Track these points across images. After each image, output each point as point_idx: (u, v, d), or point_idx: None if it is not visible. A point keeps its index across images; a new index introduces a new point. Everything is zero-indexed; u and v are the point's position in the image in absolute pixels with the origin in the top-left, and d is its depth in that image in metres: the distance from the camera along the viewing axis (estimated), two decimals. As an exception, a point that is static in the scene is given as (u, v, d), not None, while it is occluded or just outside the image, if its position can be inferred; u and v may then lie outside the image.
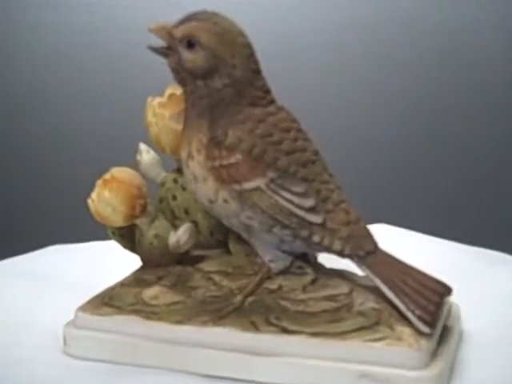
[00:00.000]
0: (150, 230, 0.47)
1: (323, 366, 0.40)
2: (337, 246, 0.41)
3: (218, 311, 0.43)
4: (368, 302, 0.42)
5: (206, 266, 0.47)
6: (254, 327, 0.42)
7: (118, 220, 0.46)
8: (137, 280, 0.48)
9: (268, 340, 0.41)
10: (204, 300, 0.45)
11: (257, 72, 0.43)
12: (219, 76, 0.42)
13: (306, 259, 0.45)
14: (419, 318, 0.39)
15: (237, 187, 0.42)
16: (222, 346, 0.42)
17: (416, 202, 0.94)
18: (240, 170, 0.41)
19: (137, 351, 0.44)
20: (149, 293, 0.46)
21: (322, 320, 0.41)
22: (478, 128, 0.93)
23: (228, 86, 0.42)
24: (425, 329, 0.39)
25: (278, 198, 0.41)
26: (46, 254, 0.60)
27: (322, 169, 0.43)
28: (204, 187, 0.43)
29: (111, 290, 0.47)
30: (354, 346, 0.39)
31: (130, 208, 0.45)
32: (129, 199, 0.45)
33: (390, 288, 0.40)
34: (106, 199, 0.45)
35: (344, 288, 0.43)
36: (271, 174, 0.41)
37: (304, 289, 0.44)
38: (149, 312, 0.44)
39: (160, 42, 0.43)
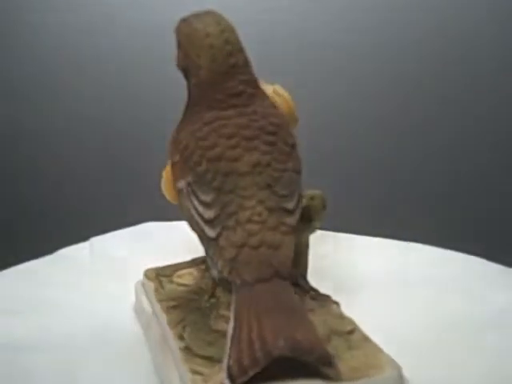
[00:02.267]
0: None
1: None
2: (219, 265, 0.38)
3: (182, 302, 0.45)
4: None
5: None
6: (171, 328, 0.42)
7: (171, 199, 0.51)
8: (197, 260, 0.52)
9: (170, 343, 0.42)
10: (193, 289, 0.47)
11: (225, 74, 0.42)
12: (192, 76, 0.43)
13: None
14: (228, 367, 0.34)
15: (175, 185, 0.43)
16: (155, 335, 0.44)
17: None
18: (176, 169, 0.42)
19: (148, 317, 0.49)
20: (182, 271, 0.50)
21: (207, 339, 0.40)
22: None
23: (195, 86, 0.43)
24: (225, 381, 0.34)
25: (189, 203, 0.40)
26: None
27: (253, 183, 0.39)
28: None
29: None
30: (183, 370, 0.37)
31: (171, 194, 0.50)
32: (170, 185, 0.50)
33: (234, 326, 0.36)
34: (162, 180, 0.51)
35: None
36: (189, 178, 0.41)
37: (228, 305, 0.41)
38: (162, 287, 0.49)
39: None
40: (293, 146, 0.42)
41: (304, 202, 0.46)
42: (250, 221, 0.38)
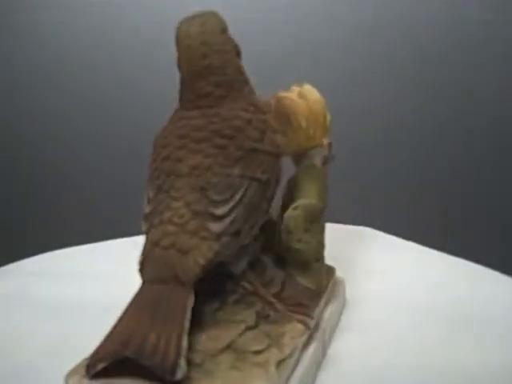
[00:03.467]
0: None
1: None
2: (138, 261, 0.39)
3: None
4: None
5: None
6: None
7: None
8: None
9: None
10: None
11: (198, 75, 0.42)
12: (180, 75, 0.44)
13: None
14: (91, 356, 0.35)
15: None
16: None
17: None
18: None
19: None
20: None
21: None
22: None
23: (180, 85, 0.44)
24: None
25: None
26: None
27: (186, 185, 0.39)
28: None
29: None
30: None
31: None
32: None
33: (120, 317, 0.36)
34: None
35: None
36: (148, 174, 0.42)
37: None
38: None
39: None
40: (252, 151, 0.40)
41: (289, 210, 0.44)
42: (170, 221, 0.38)
